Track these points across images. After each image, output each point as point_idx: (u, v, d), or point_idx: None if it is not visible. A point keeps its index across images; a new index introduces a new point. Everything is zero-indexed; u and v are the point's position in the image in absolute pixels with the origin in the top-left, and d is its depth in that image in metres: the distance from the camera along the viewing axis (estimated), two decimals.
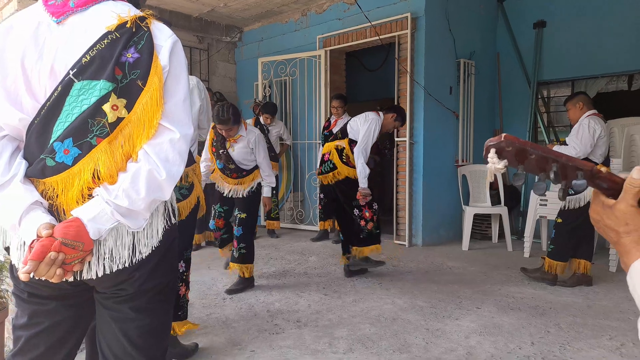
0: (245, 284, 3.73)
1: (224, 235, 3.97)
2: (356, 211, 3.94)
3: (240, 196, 3.67)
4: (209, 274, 4.19)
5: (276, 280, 4.01)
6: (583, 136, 3.65)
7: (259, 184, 3.75)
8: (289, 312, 3.23)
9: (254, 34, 7.14)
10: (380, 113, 4.01)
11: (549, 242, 4.07)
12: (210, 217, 4.02)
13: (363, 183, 3.82)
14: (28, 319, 1.18)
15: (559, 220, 3.86)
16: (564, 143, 3.84)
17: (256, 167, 3.70)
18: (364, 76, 7.90)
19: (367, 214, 3.92)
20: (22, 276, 0.95)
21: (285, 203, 6.49)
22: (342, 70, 6.51)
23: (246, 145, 3.58)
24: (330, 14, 6.02)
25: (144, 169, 1.07)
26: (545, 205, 4.76)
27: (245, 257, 3.67)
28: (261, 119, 5.62)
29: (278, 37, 6.72)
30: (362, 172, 3.81)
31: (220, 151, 3.61)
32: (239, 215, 3.69)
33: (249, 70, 7.14)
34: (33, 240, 0.99)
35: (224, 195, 3.71)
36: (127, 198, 1.05)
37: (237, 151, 3.59)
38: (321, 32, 6.04)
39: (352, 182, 3.91)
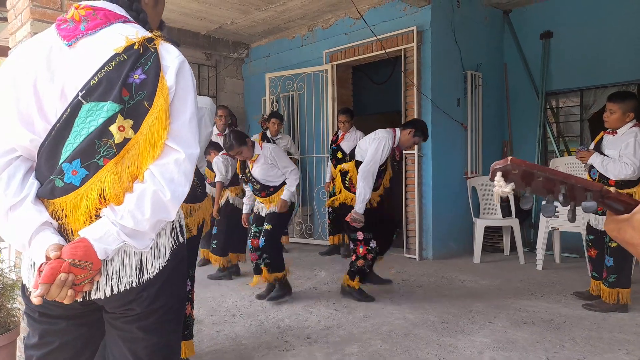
0: (282, 291, 3.77)
1: (259, 260, 3.82)
2: (351, 244, 3.83)
3: (271, 211, 3.80)
4: (218, 290, 4.18)
5: None
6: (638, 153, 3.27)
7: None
8: (299, 329, 3.20)
9: (261, 50, 7.22)
10: (397, 130, 3.74)
11: (605, 271, 3.48)
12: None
13: (359, 208, 3.50)
14: (39, 338, 1.18)
15: (615, 244, 3.36)
16: (604, 153, 3.43)
17: (284, 183, 3.79)
18: (371, 90, 7.92)
19: (361, 250, 3.70)
20: (35, 300, 0.95)
21: (294, 217, 6.48)
22: (349, 84, 6.55)
23: (265, 162, 3.72)
24: (337, 29, 6.07)
25: (149, 190, 1.07)
26: (557, 217, 4.68)
27: (271, 266, 3.72)
28: (268, 133, 5.62)
29: (285, 52, 6.79)
30: (361, 194, 3.50)
31: (246, 172, 3.85)
32: (265, 227, 3.78)
33: (256, 86, 7.20)
34: (42, 264, 1.00)
35: (261, 215, 3.87)
36: (132, 219, 1.05)
37: (258, 170, 3.75)
38: (328, 47, 6.09)
39: (349, 210, 3.61)
